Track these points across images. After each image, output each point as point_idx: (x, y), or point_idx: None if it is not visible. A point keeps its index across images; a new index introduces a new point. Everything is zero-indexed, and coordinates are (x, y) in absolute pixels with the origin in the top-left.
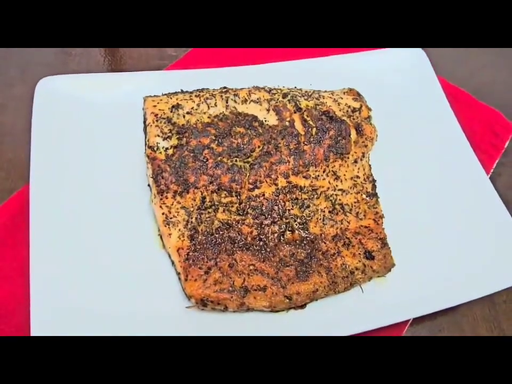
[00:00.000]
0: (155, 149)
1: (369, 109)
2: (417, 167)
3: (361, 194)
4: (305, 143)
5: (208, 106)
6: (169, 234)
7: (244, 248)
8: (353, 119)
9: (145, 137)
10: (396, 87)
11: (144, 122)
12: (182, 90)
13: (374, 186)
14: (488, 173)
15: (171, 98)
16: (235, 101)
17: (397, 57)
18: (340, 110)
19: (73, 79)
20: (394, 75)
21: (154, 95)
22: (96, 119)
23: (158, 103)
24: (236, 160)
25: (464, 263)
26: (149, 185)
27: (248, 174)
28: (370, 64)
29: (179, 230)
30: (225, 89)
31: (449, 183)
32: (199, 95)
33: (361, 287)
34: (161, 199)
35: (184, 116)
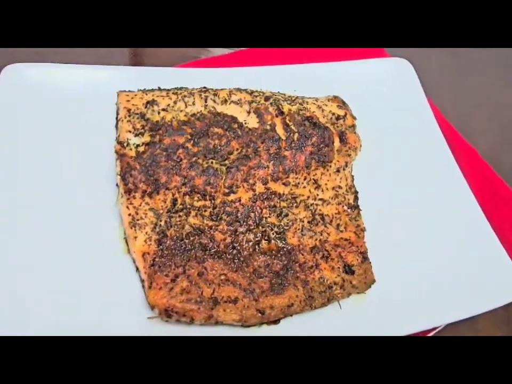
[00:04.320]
0: (125, 145)
1: (354, 118)
2: (402, 180)
3: (343, 206)
4: (286, 148)
5: (186, 105)
6: (135, 237)
7: (216, 256)
8: (337, 126)
9: (117, 134)
10: (381, 97)
11: (117, 118)
12: (159, 87)
13: (356, 198)
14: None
15: (146, 94)
16: (214, 101)
17: (383, 66)
18: (323, 117)
19: (43, 68)
20: (379, 85)
21: (129, 90)
22: (65, 112)
23: (132, 98)
24: (212, 162)
25: (447, 283)
26: (117, 184)
27: (224, 178)
28: (356, 73)
29: (146, 233)
30: (204, 89)
31: (434, 196)
32: (176, 92)
33: (339, 303)
34: (128, 198)
35: (159, 113)
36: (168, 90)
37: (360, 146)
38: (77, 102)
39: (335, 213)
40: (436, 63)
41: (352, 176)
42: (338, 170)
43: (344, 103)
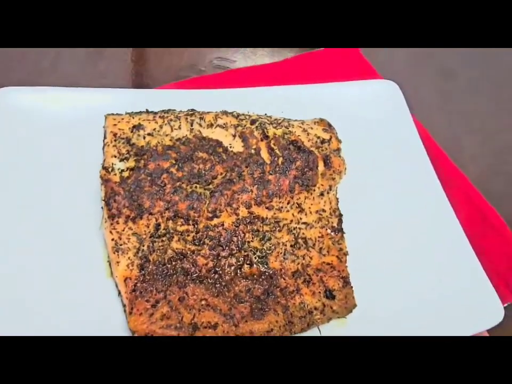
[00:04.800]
0: (110, 170)
1: (339, 141)
2: (387, 203)
3: (326, 229)
4: (271, 172)
5: (172, 129)
6: (117, 262)
7: (197, 281)
8: (322, 150)
9: (103, 158)
10: (368, 119)
11: (104, 141)
12: (147, 110)
13: (340, 221)
14: None
15: (133, 117)
16: (200, 125)
17: (371, 88)
18: (308, 141)
19: (33, 91)
20: (367, 107)
21: (117, 114)
22: (54, 135)
23: (119, 121)
24: (196, 187)
25: (429, 309)
26: (102, 208)
27: (207, 202)
28: (344, 95)
29: (128, 258)
30: (191, 112)
31: (418, 222)
32: (163, 116)
33: (318, 328)
34: (111, 224)
35: (144, 137)
36: (156, 113)
37: (345, 169)
38: (67, 125)
39: (318, 236)
40: (428, 86)
41: (337, 199)
42: (322, 194)
43: (330, 126)
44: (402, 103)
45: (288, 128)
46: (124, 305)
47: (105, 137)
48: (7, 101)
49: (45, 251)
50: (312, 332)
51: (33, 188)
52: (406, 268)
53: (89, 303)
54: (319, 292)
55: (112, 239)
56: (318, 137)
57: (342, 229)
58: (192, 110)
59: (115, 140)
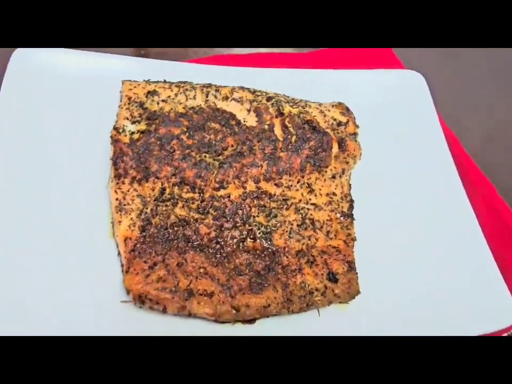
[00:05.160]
0: (120, 131)
1: (357, 126)
2: (402, 195)
3: (336, 213)
4: (282, 149)
5: (187, 98)
6: (120, 221)
7: (198, 249)
8: (338, 133)
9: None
10: (390, 109)
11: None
12: (164, 80)
13: (350, 207)
14: None
15: (149, 84)
16: (215, 97)
17: (394, 78)
18: (324, 122)
19: (51, 52)
20: (389, 96)
21: (134, 80)
22: (72, 96)
23: (134, 87)
24: (205, 156)
25: (435, 306)
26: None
27: (215, 172)
28: (366, 83)
29: (131, 218)
30: (208, 84)
31: (433, 217)
32: (179, 85)
33: (318, 311)
34: (117, 183)
35: (158, 103)
36: (172, 83)
37: (360, 155)
38: (85, 87)
39: (327, 220)
40: (456, 81)
41: (350, 185)
42: (334, 177)
43: (348, 110)
44: (426, 95)
45: (304, 108)
46: (122, 265)
47: (121, 101)
48: (26, 60)
49: (50, 205)
50: (311, 314)
51: (46, 144)
52: (415, 261)
53: (89, 262)
54: (322, 274)
55: (117, 199)
56: (335, 120)
57: (352, 214)
58: (209, 83)
59: (129, 103)
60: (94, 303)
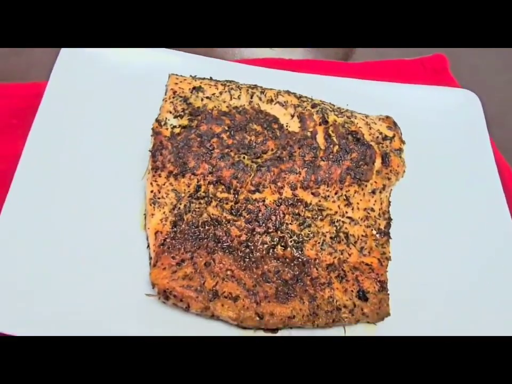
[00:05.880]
0: (162, 124)
1: (403, 142)
2: (442, 218)
3: (372, 229)
4: (323, 158)
5: (231, 97)
6: (152, 214)
7: (227, 251)
8: (382, 147)
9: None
10: (440, 128)
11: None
12: (211, 77)
13: (388, 225)
14: None
15: (196, 80)
16: (260, 99)
17: (447, 96)
18: (369, 135)
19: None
20: (440, 115)
21: (181, 75)
22: (116, 86)
23: (181, 81)
24: (244, 157)
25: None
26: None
27: (253, 175)
28: (417, 98)
29: (164, 212)
30: (253, 86)
31: (474, 246)
32: (225, 84)
33: (344, 328)
34: (153, 175)
35: (202, 99)
36: (218, 81)
37: (404, 172)
38: (132, 78)
39: (362, 235)
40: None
41: (389, 202)
42: (373, 192)
43: (395, 124)
44: (480, 116)
45: (350, 118)
46: (150, 258)
47: (165, 94)
48: (73, 59)
49: (88, 193)
50: (336, 331)
51: (89, 134)
52: (450, 290)
53: (118, 251)
54: (352, 291)
55: (152, 191)
56: (380, 133)
57: (389, 233)
58: (255, 85)
59: (173, 97)
60: (119, 293)
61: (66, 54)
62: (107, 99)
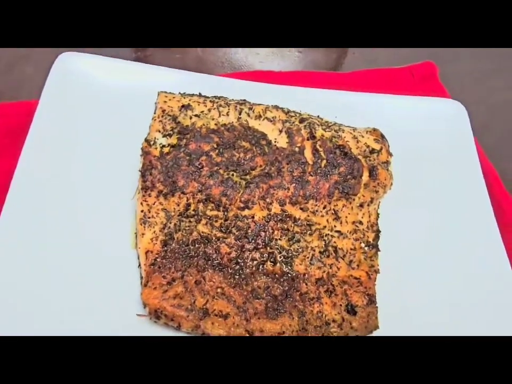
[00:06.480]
0: (151, 143)
1: (390, 154)
2: (430, 230)
3: (360, 242)
4: (311, 173)
5: (220, 114)
6: (143, 234)
7: (217, 268)
8: (369, 160)
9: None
10: (426, 138)
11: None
12: (200, 93)
13: (377, 237)
14: None
15: (184, 98)
16: (248, 115)
17: (434, 106)
18: (357, 148)
19: (94, 59)
20: (427, 125)
21: (170, 92)
22: (107, 104)
23: (169, 99)
24: (233, 174)
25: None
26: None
27: (241, 192)
28: (404, 109)
29: (154, 232)
30: (242, 101)
31: (462, 257)
32: (214, 101)
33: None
34: (143, 195)
35: (191, 117)
36: (207, 97)
37: (391, 184)
38: (122, 96)
39: (350, 249)
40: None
41: (378, 214)
42: (362, 205)
43: (383, 137)
44: (466, 127)
45: (337, 132)
46: (141, 278)
47: (155, 113)
48: (68, 65)
49: (77, 211)
50: None
51: (77, 150)
52: (439, 302)
53: (109, 270)
54: (340, 305)
55: (142, 211)
56: (368, 146)
57: (378, 245)
58: (244, 100)
59: (162, 116)
60: (110, 312)
61: (57, 72)
62: (98, 117)
